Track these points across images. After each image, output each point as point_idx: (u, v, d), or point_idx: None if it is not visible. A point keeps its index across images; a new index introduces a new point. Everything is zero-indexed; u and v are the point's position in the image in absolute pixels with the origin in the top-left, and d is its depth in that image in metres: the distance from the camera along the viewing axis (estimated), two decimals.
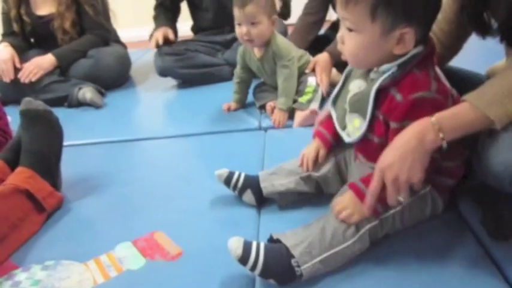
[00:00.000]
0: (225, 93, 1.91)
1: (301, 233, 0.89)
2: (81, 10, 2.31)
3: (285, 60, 1.63)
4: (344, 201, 0.90)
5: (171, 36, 2.18)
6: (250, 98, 1.88)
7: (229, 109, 1.83)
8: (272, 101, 1.72)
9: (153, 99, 2.18)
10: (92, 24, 2.33)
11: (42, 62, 2.18)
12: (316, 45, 1.93)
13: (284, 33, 2.16)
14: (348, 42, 0.89)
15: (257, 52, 1.70)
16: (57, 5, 2.24)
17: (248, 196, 1.13)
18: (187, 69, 2.16)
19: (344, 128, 1.00)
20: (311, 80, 1.70)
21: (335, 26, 2.14)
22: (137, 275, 0.95)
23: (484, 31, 1.01)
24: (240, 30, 1.61)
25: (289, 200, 1.12)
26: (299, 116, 1.62)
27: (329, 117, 1.08)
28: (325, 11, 2.05)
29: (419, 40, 0.86)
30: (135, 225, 1.13)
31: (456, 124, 0.80)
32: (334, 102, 1.05)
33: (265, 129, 1.63)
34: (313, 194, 1.11)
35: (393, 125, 0.87)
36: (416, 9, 0.83)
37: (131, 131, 1.80)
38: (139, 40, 3.44)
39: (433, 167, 0.85)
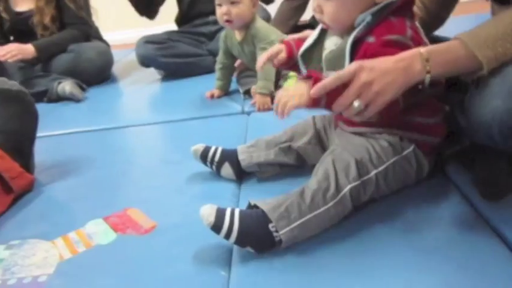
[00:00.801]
0: (208, 84, 1.87)
1: (280, 198, 0.84)
2: (61, 4, 2.26)
3: (263, 42, 1.59)
4: (288, 89, 0.80)
5: None
6: (233, 86, 1.84)
7: (212, 96, 1.78)
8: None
9: (136, 92, 2.13)
10: (73, 18, 2.29)
11: (23, 48, 2.13)
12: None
13: (267, 19, 2.12)
14: (327, 10, 0.85)
15: (238, 35, 1.66)
16: (36, 0, 2.20)
17: (226, 170, 1.07)
18: (169, 58, 2.11)
19: None
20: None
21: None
22: (107, 248, 0.90)
23: None
24: (220, 11, 1.58)
25: (270, 173, 1.07)
26: None
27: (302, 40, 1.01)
28: None
29: None
30: (108, 203, 1.07)
31: (444, 59, 0.76)
32: (304, 56, 0.98)
33: (248, 113, 1.59)
34: (295, 166, 1.07)
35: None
36: None
37: (112, 120, 1.75)
38: (124, 43, 3.42)
39: (393, 111, 0.80)
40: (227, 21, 1.58)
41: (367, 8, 0.83)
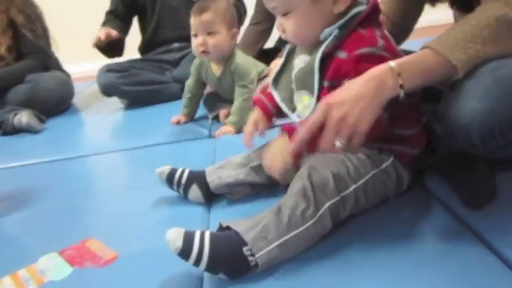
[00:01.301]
0: (174, 111, 1.79)
1: (254, 218, 0.77)
2: (18, 34, 2.18)
3: (244, 81, 1.53)
4: (273, 147, 0.78)
5: (113, 33, 1.98)
6: (199, 111, 1.78)
7: (178, 122, 1.71)
8: (226, 109, 1.62)
9: (97, 121, 2.04)
10: (31, 48, 2.20)
11: None
12: (269, 57, 1.88)
13: None
14: (287, 27, 0.83)
15: (215, 69, 1.60)
16: None
17: (194, 192, 1.00)
18: (132, 86, 2.04)
19: (294, 110, 0.91)
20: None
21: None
22: (61, 284, 0.80)
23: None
24: (196, 41, 1.50)
25: (241, 194, 1.00)
26: None
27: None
28: (271, 21, 2.01)
29: None
30: (64, 235, 0.97)
31: (416, 70, 0.72)
32: (276, 82, 0.96)
33: (217, 137, 1.52)
34: (267, 186, 1.00)
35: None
36: None
37: (71, 149, 1.64)
38: (86, 75, 3.33)
39: (380, 128, 0.75)
40: (203, 52, 1.50)
41: (328, 21, 0.81)
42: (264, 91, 1.01)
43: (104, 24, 2.16)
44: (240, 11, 2.01)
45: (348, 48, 0.77)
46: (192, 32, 1.51)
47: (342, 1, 0.79)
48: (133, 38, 2.32)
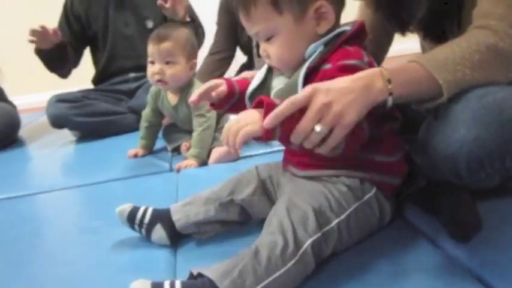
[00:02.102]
0: (130, 143, 1.69)
1: (229, 262, 0.69)
2: None
3: (201, 109, 1.46)
4: (238, 118, 0.70)
5: (50, 29, 1.78)
6: (158, 143, 1.68)
7: (136, 155, 1.61)
8: (187, 141, 1.54)
9: (46, 155, 1.89)
10: None
11: None
12: None
13: None
14: (272, 52, 0.79)
15: (171, 98, 1.53)
16: None
17: (158, 233, 0.91)
18: (85, 117, 1.92)
19: None
20: (232, 117, 1.56)
21: (245, 68, 2.09)
22: None
23: (403, 27, 0.95)
24: (152, 69, 1.44)
25: (210, 233, 0.91)
26: (217, 151, 1.45)
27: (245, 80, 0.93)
28: (231, 51, 2.00)
29: (338, 16, 0.78)
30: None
31: (405, 79, 0.70)
32: (252, 99, 0.89)
33: (178, 171, 1.43)
34: (239, 223, 0.92)
35: None
36: None
37: (16, 187, 1.49)
38: (34, 107, 3.16)
39: (360, 136, 0.71)
40: (159, 81, 1.44)
41: (313, 41, 0.77)
42: (235, 79, 0.94)
43: None
44: (199, 32, 1.97)
45: (333, 61, 0.74)
46: (149, 59, 1.44)
47: (325, 22, 0.77)
48: (86, 69, 2.22)
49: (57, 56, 1.95)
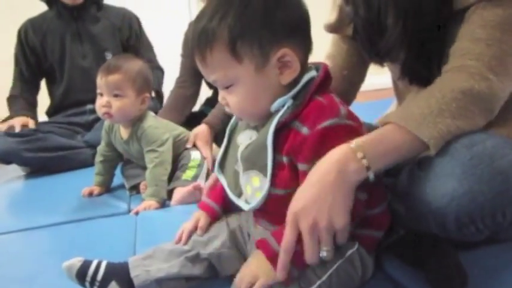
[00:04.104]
0: (86, 180, 1.58)
1: None
2: None
3: (152, 145, 1.39)
4: (250, 269, 0.67)
5: (30, 125, 1.87)
6: (116, 181, 1.58)
7: (91, 194, 1.49)
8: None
9: None
10: None
11: None
12: (193, 121, 1.77)
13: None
14: (231, 101, 0.74)
15: (123, 132, 1.45)
16: None
17: None
18: (36, 152, 1.79)
19: (240, 194, 0.79)
20: (195, 154, 1.50)
21: (210, 102, 2.03)
22: None
23: (380, 58, 0.92)
24: (99, 101, 1.36)
25: None
26: (179, 192, 1.36)
27: (217, 185, 0.89)
28: (197, 84, 1.93)
29: (303, 63, 0.73)
30: None
31: (381, 149, 0.66)
32: (221, 166, 0.85)
33: (137, 213, 1.32)
34: (205, 279, 0.83)
35: (302, 167, 0.69)
36: (279, 25, 0.70)
37: None
38: None
39: (359, 212, 0.67)
40: (106, 113, 1.36)
41: (277, 91, 0.72)
42: (208, 193, 0.91)
43: (13, 99, 2.02)
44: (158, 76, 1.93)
45: (309, 122, 0.68)
46: (98, 91, 1.37)
47: (290, 71, 0.71)
48: (40, 100, 2.10)
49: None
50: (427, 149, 0.66)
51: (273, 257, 0.66)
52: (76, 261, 0.82)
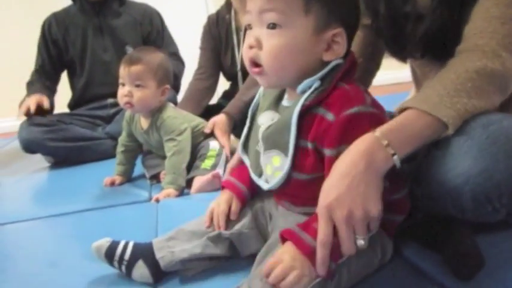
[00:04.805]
0: (107, 170, 1.62)
1: None
2: None
3: (171, 134, 1.42)
4: (282, 258, 0.65)
5: (45, 103, 1.87)
6: (137, 171, 1.62)
7: (112, 183, 1.53)
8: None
9: (15, 183, 1.79)
10: None
11: None
12: (210, 114, 1.79)
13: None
14: (268, 43, 0.70)
15: (143, 122, 1.48)
16: None
17: (140, 270, 0.83)
18: (59, 142, 1.83)
19: (260, 174, 0.81)
20: (213, 144, 1.52)
21: (227, 94, 2.05)
22: None
23: (404, 54, 0.93)
24: (121, 91, 1.40)
25: (197, 269, 0.85)
26: (198, 180, 1.39)
27: (241, 164, 0.90)
28: (216, 76, 1.96)
29: (347, 50, 0.74)
30: None
31: (405, 136, 0.66)
32: (245, 147, 0.87)
33: (157, 200, 1.36)
34: (227, 258, 0.86)
35: (328, 152, 0.69)
36: (351, 10, 0.72)
37: None
38: (4, 132, 3.04)
39: (385, 199, 0.67)
40: (127, 103, 1.40)
41: (310, 65, 0.72)
42: (232, 171, 0.92)
43: (31, 84, 2.02)
44: (178, 68, 1.95)
45: (334, 109, 0.69)
46: (120, 81, 1.41)
47: (333, 52, 0.72)
48: (62, 93, 2.15)
49: (42, 113, 1.93)
50: (446, 129, 0.67)
51: (310, 254, 0.64)
52: (104, 242, 0.86)
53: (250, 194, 0.88)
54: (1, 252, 1.15)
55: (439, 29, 0.80)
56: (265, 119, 0.80)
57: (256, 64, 0.72)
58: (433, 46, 0.83)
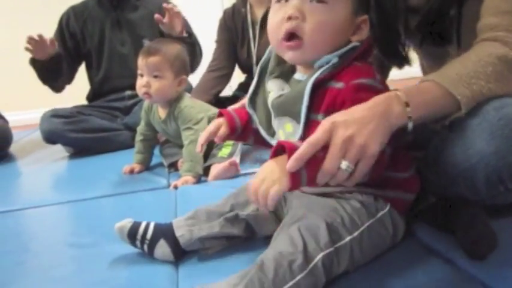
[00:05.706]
0: (126, 160, 1.65)
1: (234, 277, 0.66)
2: None
3: (188, 123, 1.45)
4: (264, 169, 0.65)
5: (48, 41, 1.81)
6: (155, 160, 1.65)
7: (132, 171, 1.57)
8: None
9: (37, 171, 1.83)
10: None
11: None
12: (226, 106, 1.81)
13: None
14: (315, 17, 0.72)
15: (161, 112, 1.52)
16: None
17: (162, 248, 0.86)
18: (79, 133, 1.88)
19: (273, 135, 0.83)
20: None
21: (243, 86, 2.07)
22: None
23: (401, 58, 0.96)
24: (140, 81, 1.44)
25: (215, 248, 0.88)
26: (216, 168, 1.42)
27: (244, 108, 0.90)
28: (230, 68, 1.99)
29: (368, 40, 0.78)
30: None
31: (422, 100, 0.68)
32: (252, 101, 0.88)
33: (175, 186, 1.39)
34: (244, 238, 0.89)
35: None
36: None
37: (4, 202, 1.43)
38: (26, 124, 3.10)
39: (383, 164, 0.68)
40: (145, 93, 1.43)
41: (339, 43, 0.75)
42: (234, 108, 0.93)
43: None
44: (196, 50, 1.96)
45: (344, 79, 0.72)
46: (139, 72, 1.44)
47: (358, 36, 0.76)
48: (80, 86, 2.19)
49: (51, 68, 1.93)
50: (459, 108, 0.68)
51: (292, 149, 0.61)
52: (127, 222, 0.89)
53: (243, 134, 0.89)
54: (24, 234, 1.20)
55: (435, 18, 0.82)
56: (275, 87, 0.81)
57: (292, 36, 0.73)
58: (430, 32, 0.85)
